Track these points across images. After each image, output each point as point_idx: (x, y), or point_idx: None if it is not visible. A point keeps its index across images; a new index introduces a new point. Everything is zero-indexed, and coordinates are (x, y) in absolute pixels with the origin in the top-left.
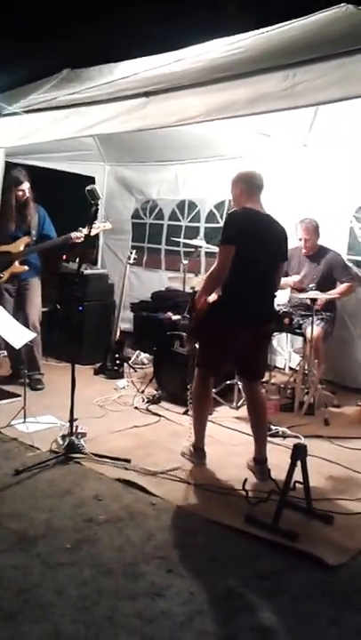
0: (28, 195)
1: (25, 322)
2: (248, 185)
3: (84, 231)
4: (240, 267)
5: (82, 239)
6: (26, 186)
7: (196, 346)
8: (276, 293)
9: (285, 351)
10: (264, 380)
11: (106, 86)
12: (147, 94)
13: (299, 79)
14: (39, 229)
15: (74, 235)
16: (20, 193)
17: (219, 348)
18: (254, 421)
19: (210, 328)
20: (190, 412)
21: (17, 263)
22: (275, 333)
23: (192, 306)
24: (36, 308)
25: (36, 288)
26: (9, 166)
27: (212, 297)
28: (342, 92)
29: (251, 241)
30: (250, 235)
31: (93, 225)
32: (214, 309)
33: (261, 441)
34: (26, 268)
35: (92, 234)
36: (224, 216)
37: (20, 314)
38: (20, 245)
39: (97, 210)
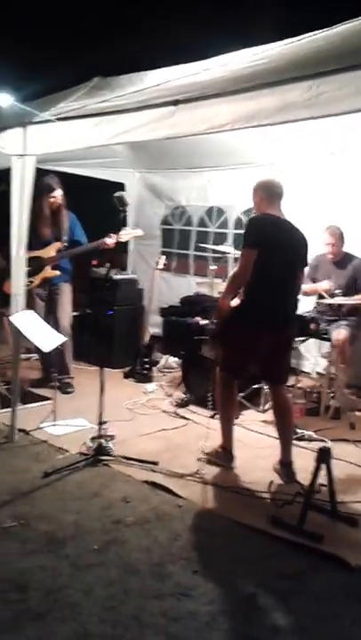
0: (60, 202)
1: (55, 326)
2: (268, 192)
3: (115, 237)
4: (261, 271)
5: (112, 245)
6: (58, 193)
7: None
8: (298, 298)
9: (312, 356)
10: (290, 384)
11: (135, 94)
12: (175, 103)
13: (322, 89)
14: (70, 235)
15: (105, 240)
16: (53, 200)
17: (241, 352)
18: (280, 424)
19: (233, 332)
20: (217, 416)
21: (48, 268)
22: (301, 338)
23: (216, 310)
24: (66, 312)
25: (66, 293)
26: (41, 173)
27: (235, 301)
28: None
29: (272, 246)
30: (271, 240)
31: (124, 231)
32: (237, 314)
33: (287, 444)
34: (57, 273)
35: (123, 240)
36: None
37: (51, 318)
38: (51, 251)
39: (125, 216)
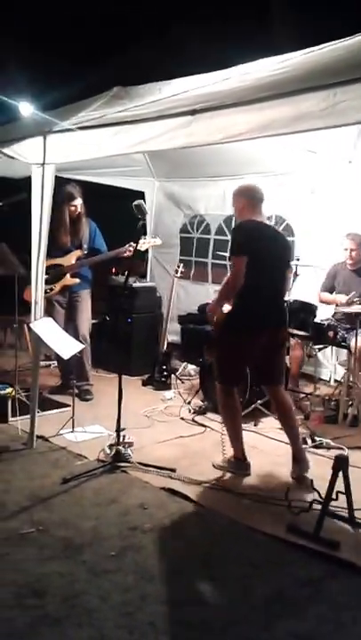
0: (80, 210)
1: (75, 333)
2: (250, 198)
3: (134, 246)
4: (251, 276)
5: (131, 254)
6: (78, 202)
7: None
8: (286, 300)
9: (330, 364)
10: (309, 391)
11: (154, 104)
12: (193, 112)
13: (339, 98)
14: (90, 243)
15: (124, 249)
16: (73, 208)
17: (238, 360)
18: (285, 425)
19: (228, 340)
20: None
21: (68, 276)
22: (319, 346)
23: (208, 318)
24: (85, 319)
25: (86, 300)
26: (61, 181)
27: (226, 308)
28: None
29: (259, 251)
30: (258, 245)
31: (143, 240)
32: (230, 321)
33: (295, 440)
34: (77, 280)
35: (143, 249)
36: None
37: (71, 325)
38: (71, 259)
39: (144, 224)
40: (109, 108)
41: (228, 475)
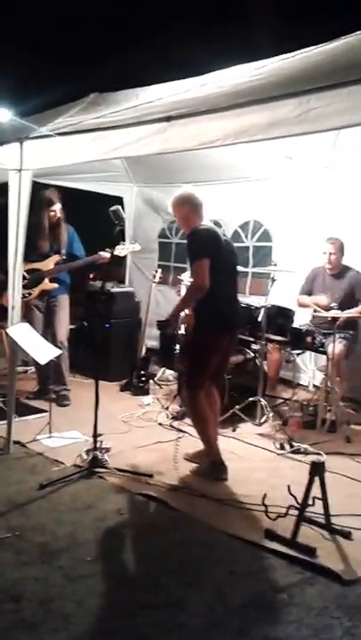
0: (59, 215)
1: (53, 338)
2: (193, 204)
3: (111, 252)
4: (214, 278)
5: (108, 259)
6: (57, 207)
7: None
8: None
9: (309, 369)
10: (287, 397)
11: (130, 110)
12: (168, 119)
13: (312, 105)
14: (68, 248)
15: (101, 255)
16: (52, 213)
17: (207, 362)
18: (214, 419)
19: (201, 344)
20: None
21: (47, 280)
22: (297, 351)
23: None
24: (64, 324)
25: (64, 305)
26: (40, 187)
27: (185, 312)
28: (352, 120)
29: (217, 253)
30: (216, 248)
31: (122, 245)
32: (201, 323)
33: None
34: (55, 285)
35: (122, 255)
36: (249, 236)
37: (49, 330)
38: (50, 263)
39: (121, 230)
40: (86, 115)
41: (205, 480)
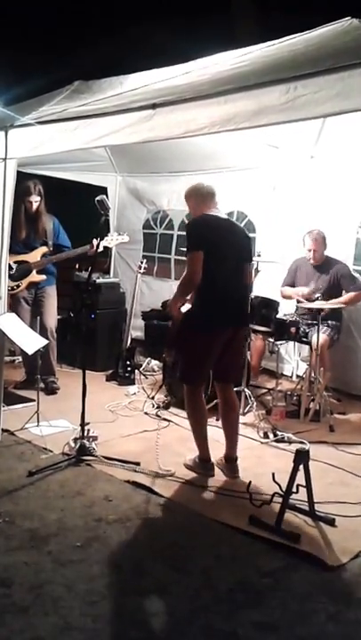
0: (36, 206)
1: (42, 329)
2: (199, 194)
3: (102, 243)
4: (209, 272)
5: (100, 250)
6: (35, 198)
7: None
8: (249, 294)
9: (293, 359)
10: (271, 387)
11: (114, 98)
12: (153, 106)
13: (299, 92)
14: (54, 239)
15: (91, 246)
16: (29, 204)
17: (203, 358)
18: (226, 422)
19: (191, 340)
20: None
21: (34, 272)
22: (281, 342)
23: (171, 314)
24: (52, 315)
25: (52, 296)
26: (24, 177)
27: (185, 307)
28: (341, 106)
29: (215, 245)
30: (213, 239)
31: (110, 237)
32: (190, 320)
33: (233, 439)
34: (44, 277)
35: (110, 246)
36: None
37: (37, 321)
38: (37, 255)
39: (106, 220)
40: (70, 102)
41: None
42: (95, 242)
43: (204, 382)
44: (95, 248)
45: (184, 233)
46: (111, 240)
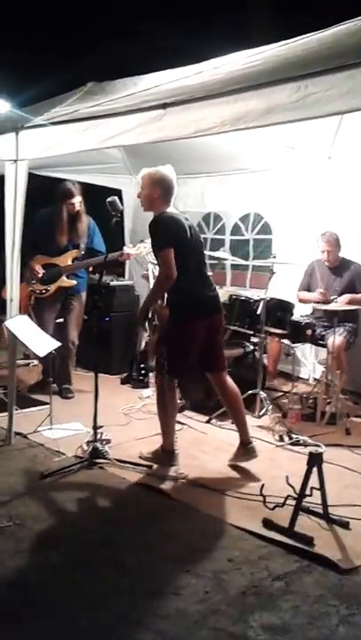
0: (79, 207)
1: (64, 337)
2: (166, 190)
3: (134, 249)
4: (181, 267)
5: (133, 256)
6: (77, 199)
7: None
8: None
9: (309, 362)
10: (287, 390)
11: (126, 99)
12: (164, 106)
13: (310, 90)
14: (88, 243)
15: (124, 252)
16: (71, 206)
17: (190, 348)
18: (231, 409)
19: (177, 332)
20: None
21: (64, 277)
22: (297, 345)
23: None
24: (77, 324)
25: (80, 304)
26: (54, 181)
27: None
28: (352, 104)
29: (182, 240)
30: (180, 235)
31: (143, 243)
32: (176, 312)
33: (244, 423)
34: (74, 282)
35: (143, 253)
36: (249, 229)
37: (61, 327)
38: (68, 259)
39: (117, 222)
40: (82, 104)
41: (204, 470)
42: (126, 249)
43: (184, 374)
44: (133, 253)
45: (201, 235)
46: (143, 247)
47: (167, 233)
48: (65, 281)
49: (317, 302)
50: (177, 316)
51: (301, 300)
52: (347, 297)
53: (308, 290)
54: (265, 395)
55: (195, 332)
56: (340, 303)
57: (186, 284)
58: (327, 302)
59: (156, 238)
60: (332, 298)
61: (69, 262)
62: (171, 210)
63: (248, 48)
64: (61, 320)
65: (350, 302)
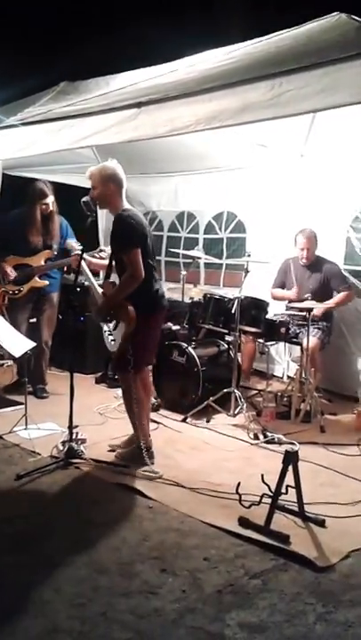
0: (51, 208)
1: (37, 337)
2: (119, 184)
3: (107, 250)
4: (146, 263)
5: (106, 258)
6: (50, 199)
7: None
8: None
9: (283, 360)
10: (261, 388)
11: (100, 98)
12: (139, 105)
13: (285, 88)
14: (61, 243)
15: (97, 254)
16: (44, 206)
17: (155, 339)
18: (145, 407)
19: (145, 324)
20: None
21: (37, 277)
22: (271, 342)
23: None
24: (51, 324)
25: (53, 304)
26: (27, 181)
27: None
28: (326, 102)
29: (146, 239)
30: (145, 234)
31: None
32: (143, 305)
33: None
34: (46, 282)
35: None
36: (223, 228)
37: (34, 327)
38: (40, 259)
39: (93, 221)
40: (56, 103)
41: (180, 470)
42: (104, 248)
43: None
44: (106, 256)
45: (174, 234)
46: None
47: (135, 233)
48: (37, 281)
49: (291, 300)
50: (144, 312)
51: (275, 298)
52: (320, 310)
53: (283, 287)
54: (239, 393)
55: (157, 326)
56: (317, 310)
57: (149, 280)
58: (301, 300)
59: (123, 238)
60: (306, 296)
61: (42, 263)
62: (127, 205)
63: (222, 46)
64: (34, 320)
65: (340, 302)
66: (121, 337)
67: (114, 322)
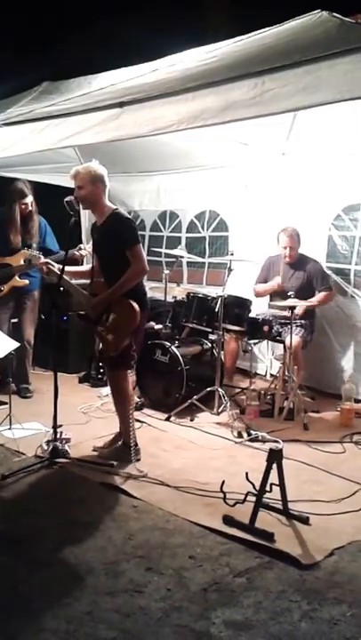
0: (31, 208)
1: (19, 336)
2: (105, 185)
3: (88, 247)
4: None
5: (86, 255)
6: (29, 199)
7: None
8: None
9: (266, 358)
10: (244, 386)
11: (82, 98)
12: (121, 104)
13: (267, 87)
14: (40, 242)
15: (76, 252)
16: (24, 206)
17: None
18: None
19: (140, 324)
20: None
21: (17, 277)
22: (254, 341)
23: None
24: (31, 323)
25: (34, 303)
26: (6, 180)
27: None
28: (309, 100)
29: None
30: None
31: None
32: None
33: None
34: (26, 282)
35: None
36: (205, 227)
37: (16, 327)
38: (19, 259)
39: (76, 221)
40: (38, 104)
41: (165, 469)
42: (83, 246)
43: None
44: (85, 253)
45: (156, 233)
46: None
47: (135, 228)
48: (18, 281)
49: (275, 292)
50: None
51: (258, 294)
52: (302, 309)
53: (265, 282)
54: (223, 391)
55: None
56: (299, 309)
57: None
58: (284, 292)
59: (125, 235)
60: (289, 294)
61: (22, 262)
62: (112, 205)
63: (204, 44)
64: (16, 320)
65: (322, 301)
66: (119, 334)
67: (111, 317)
